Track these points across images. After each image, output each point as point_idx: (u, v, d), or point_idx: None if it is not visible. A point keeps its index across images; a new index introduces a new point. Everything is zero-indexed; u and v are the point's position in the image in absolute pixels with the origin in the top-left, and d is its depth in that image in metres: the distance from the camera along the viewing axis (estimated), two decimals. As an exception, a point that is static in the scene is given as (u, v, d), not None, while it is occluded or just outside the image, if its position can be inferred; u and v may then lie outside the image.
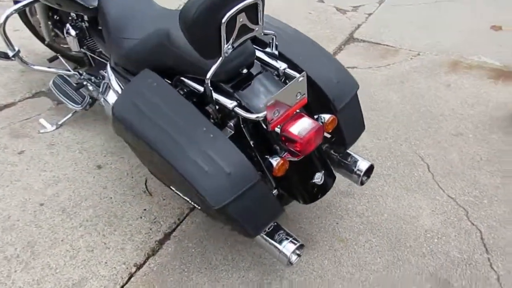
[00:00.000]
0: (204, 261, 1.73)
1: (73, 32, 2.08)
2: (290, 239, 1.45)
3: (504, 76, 2.85)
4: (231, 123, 1.48)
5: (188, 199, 1.57)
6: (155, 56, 1.58)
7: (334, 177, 1.60)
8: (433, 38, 3.32)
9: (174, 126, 1.38)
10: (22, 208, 1.92)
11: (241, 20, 1.30)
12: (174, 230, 1.84)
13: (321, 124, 1.42)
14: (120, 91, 1.86)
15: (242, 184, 1.31)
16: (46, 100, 2.59)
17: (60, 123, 2.36)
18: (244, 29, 1.34)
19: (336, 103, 1.54)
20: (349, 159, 1.70)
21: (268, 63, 1.56)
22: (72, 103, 2.23)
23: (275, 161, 1.39)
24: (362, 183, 1.71)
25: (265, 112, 1.32)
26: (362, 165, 1.68)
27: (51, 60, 2.50)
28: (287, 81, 1.55)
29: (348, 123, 1.60)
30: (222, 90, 1.46)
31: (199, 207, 1.56)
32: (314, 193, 1.54)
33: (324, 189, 1.56)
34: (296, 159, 1.44)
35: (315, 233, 1.83)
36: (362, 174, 1.66)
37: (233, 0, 1.26)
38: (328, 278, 1.67)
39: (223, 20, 1.25)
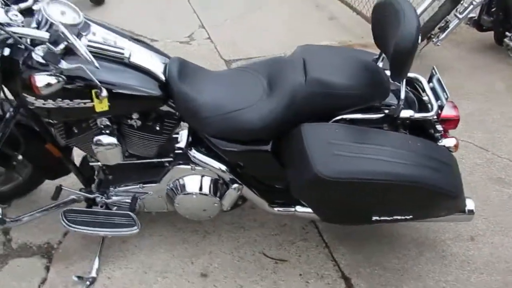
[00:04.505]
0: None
1: (113, 140, 1.57)
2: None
3: (350, 49, 3.70)
4: (402, 129, 1.63)
5: (406, 216, 1.59)
6: (307, 108, 1.51)
7: None
8: (270, 41, 3.74)
9: (395, 153, 1.44)
10: None
11: None
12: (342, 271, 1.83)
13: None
14: (225, 168, 1.66)
15: (457, 167, 1.55)
16: (31, 260, 1.82)
17: (94, 274, 1.73)
18: None
19: None
20: None
21: None
22: (125, 230, 1.69)
23: (452, 142, 1.64)
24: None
25: (436, 108, 1.59)
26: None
27: (57, 194, 1.75)
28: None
29: None
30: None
31: (422, 218, 1.67)
32: None
33: None
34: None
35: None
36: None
37: None
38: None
39: (419, 41, 1.41)
